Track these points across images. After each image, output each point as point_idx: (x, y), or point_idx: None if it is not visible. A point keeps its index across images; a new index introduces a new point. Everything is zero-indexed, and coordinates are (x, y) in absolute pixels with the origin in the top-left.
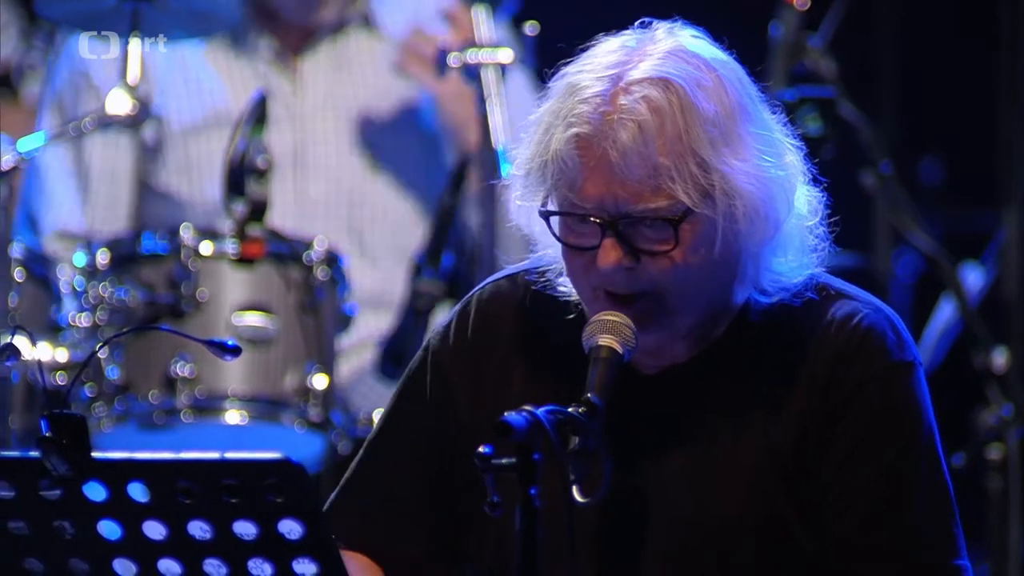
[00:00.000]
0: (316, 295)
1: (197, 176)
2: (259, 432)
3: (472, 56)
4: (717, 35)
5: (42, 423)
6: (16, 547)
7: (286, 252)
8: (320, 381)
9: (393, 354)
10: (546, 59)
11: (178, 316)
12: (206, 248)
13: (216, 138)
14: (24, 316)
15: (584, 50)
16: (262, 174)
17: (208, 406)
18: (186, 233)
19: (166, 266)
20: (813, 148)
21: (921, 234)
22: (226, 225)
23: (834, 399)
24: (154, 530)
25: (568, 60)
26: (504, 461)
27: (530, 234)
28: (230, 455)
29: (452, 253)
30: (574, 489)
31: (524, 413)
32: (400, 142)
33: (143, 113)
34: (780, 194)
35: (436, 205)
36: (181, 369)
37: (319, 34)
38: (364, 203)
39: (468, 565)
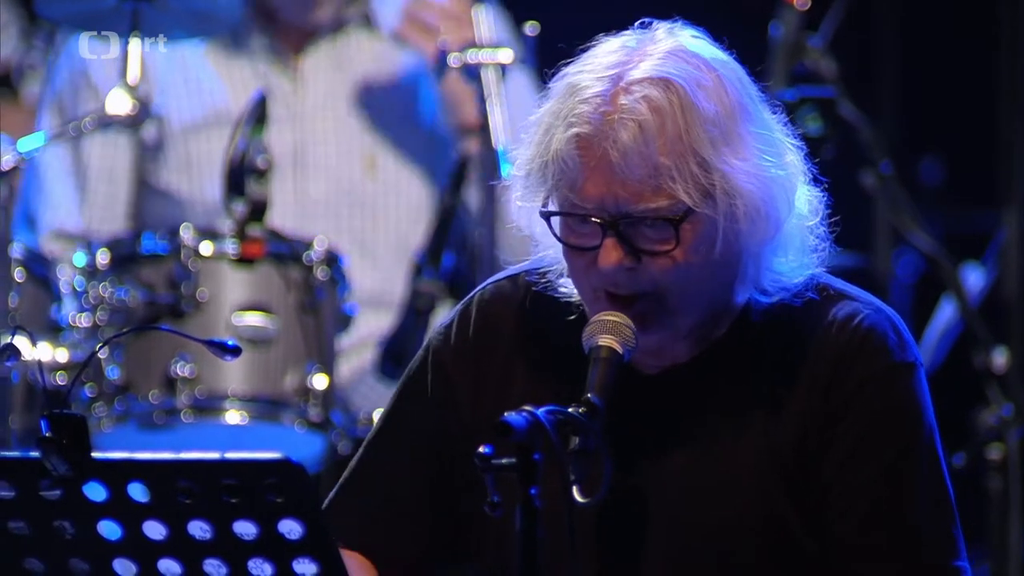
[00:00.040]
0: (316, 295)
1: (197, 175)
2: (259, 432)
3: (472, 56)
4: (717, 35)
5: (42, 423)
6: (16, 547)
7: (286, 252)
8: (320, 381)
9: (393, 354)
10: (546, 59)
11: (178, 316)
12: (206, 248)
13: (216, 137)
14: (24, 316)
15: (584, 50)
16: (262, 174)
17: (208, 406)
18: (186, 233)
19: (166, 266)
20: (813, 148)
21: (921, 234)
22: (226, 225)
23: (835, 399)
24: (154, 530)
25: (568, 60)
26: (504, 461)
27: (531, 235)
28: (230, 455)
29: (452, 253)
30: (574, 489)
31: (524, 413)
32: (401, 141)
33: (143, 113)
34: (781, 193)
35: (436, 205)
36: (181, 369)
37: (319, 34)
38: (364, 203)
39: (468, 565)
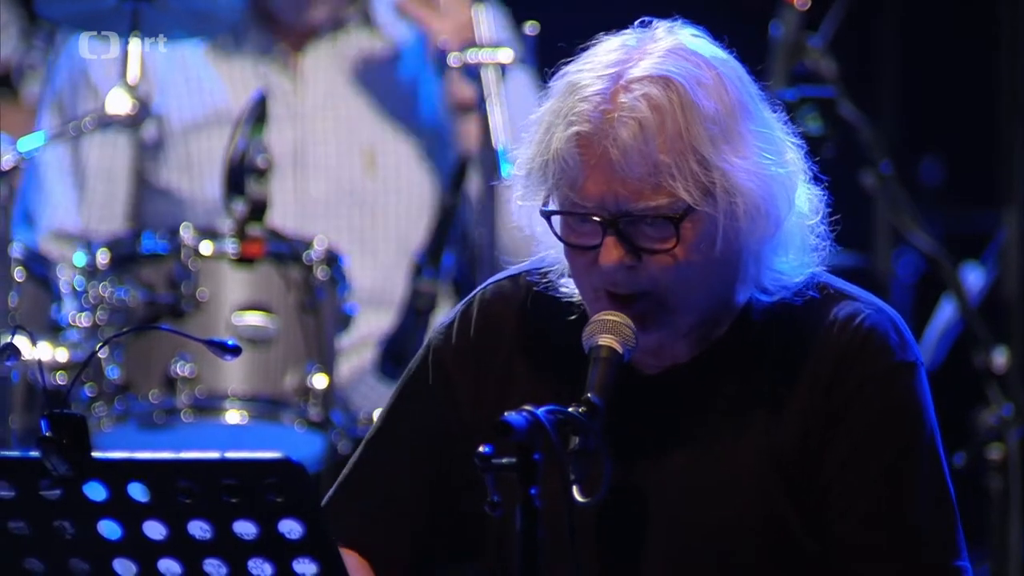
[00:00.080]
0: (316, 295)
1: (198, 174)
2: (259, 432)
3: (472, 56)
4: (717, 34)
5: (42, 423)
6: (16, 547)
7: (286, 252)
8: (320, 381)
9: (393, 354)
10: (546, 59)
11: (178, 316)
12: (206, 248)
13: (217, 136)
14: (24, 316)
15: (584, 49)
16: (262, 173)
17: (208, 406)
18: (186, 233)
19: (166, 266)
20: (813, 148)
21: (921, 234)
22: (226, 225)
23: (836, 399)
24: (154, 530)
25: (568, 59)
26: (504, 461)
27: (532, 234)
28: (230, 455)
29: (452, 253)
30: (574, 489)
31: (524, 413)
32: (401, 140)
33: (143, 113)
34: (781, 192)
35: (436, 204)
36: (181, 369)
37: (319, 33)
38: (364, 202)
39: (468, 565)
